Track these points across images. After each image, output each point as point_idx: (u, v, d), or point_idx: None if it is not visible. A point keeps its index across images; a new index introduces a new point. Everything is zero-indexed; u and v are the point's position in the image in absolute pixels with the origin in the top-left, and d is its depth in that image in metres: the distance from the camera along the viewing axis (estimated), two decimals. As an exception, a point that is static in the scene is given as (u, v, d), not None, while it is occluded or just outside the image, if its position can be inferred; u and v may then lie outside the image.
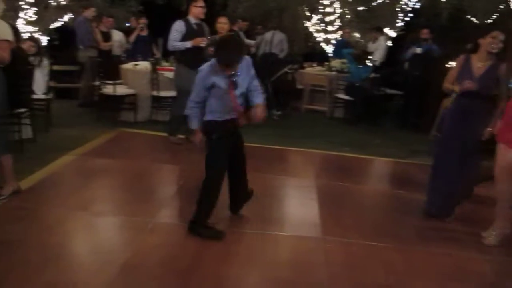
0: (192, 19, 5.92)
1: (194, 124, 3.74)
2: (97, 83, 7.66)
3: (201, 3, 5.91)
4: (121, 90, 7.15)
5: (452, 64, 8.98)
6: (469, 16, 11.31)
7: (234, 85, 3.55)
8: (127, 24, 11.46)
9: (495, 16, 11.37)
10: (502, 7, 10.73)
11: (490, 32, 3.99)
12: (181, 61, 6.01)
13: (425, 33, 8.51)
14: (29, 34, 8.38)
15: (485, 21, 11.00)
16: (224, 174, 3.76)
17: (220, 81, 3.52)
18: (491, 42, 3.95)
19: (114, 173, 5.04)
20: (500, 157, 3.76)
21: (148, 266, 3.17)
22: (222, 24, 5.98)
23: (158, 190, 4.76)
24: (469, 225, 4.27)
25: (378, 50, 10.07)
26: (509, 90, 4.97)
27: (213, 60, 3.55)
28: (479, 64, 4.04)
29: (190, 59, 5.91)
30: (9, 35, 3.83)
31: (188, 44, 5.82)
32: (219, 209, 3.82)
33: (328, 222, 4.13)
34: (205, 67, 3.59)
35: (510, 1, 10.48)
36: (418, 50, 8.31)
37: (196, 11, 5.89)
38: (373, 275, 3.33)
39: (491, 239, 3.89)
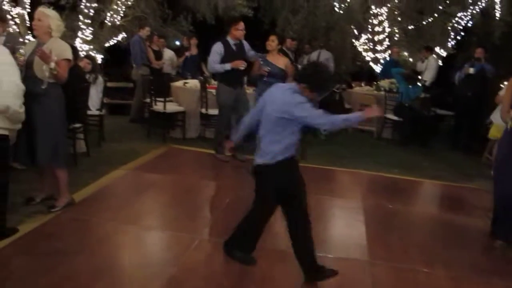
0: (231, 40, 6.03)
1: (234, 137, 3.68)
2: (148, 100, 7.88)
3: (242, 26, 6.03)
4: (171, 107, 7.32)
5: (505, 84, 8.78)
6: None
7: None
8: (176, 42, 11.80)
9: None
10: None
11: None
12: (222, 80, 6.17)
13: (478, 52, 8.27)
14: (85, 52, 8.74)
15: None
16: (273, 212, 3.49)
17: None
18: None
19: (163, 188, 5.15)
20: None
21: (193, 282, 3.21)
22: (270, 41, 6.04)
23: (205, 207, 4.82)
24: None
25: (428, 69, 9.89)
26: None
27: (293, 85, 3.25)
28: None
29: (230, 79, 6.05)
30: (69, 54, 4.02)
31: (228, 66, 5.96)
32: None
33: (376, 245, 4.05)
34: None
35: None
36: (471, 70, 8.08)
37: (237, 34, 6.01)
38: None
39: None
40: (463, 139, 8.14)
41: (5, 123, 3.51)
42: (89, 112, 6.33)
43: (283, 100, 3.15)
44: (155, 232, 4.01)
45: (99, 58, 9.46)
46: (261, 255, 3.62)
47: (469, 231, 4.45)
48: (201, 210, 4.68)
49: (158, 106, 7.22)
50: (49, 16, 4.00)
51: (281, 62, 6.05)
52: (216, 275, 3.34)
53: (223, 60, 5.97)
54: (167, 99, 7.29)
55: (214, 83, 7.84)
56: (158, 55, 8.75)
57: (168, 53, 9.20)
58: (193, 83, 7.87)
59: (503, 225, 4.18)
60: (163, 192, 5.04)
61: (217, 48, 6.00)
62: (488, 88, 7.82)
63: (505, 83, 8.63)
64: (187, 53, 9.19)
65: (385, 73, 10.11)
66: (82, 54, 7.99)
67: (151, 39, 8.75)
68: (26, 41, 7.70)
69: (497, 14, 10.67)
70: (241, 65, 5.92)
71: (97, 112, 6.64)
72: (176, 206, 4.59)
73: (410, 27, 11.78)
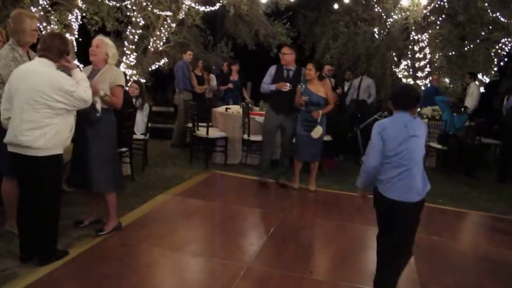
0: (286, 66, 6.07)
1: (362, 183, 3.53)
2: (189, 125, 7.96)
3: (287, 50, 6.07)
4: (213, 133, 7.37)
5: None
6: None
7: None
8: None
9: None
10: None
11: None
12: (269, 103, 6.32)
13: None
14: (132, 78, 8.94)
15: None
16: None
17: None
18: None
19: (207, 215, 5.14)
20: None
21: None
22: (308, 70, 6.04)
23: (250, 234, 4.78)
24: None
25: (470, 96, 9.72)
26: None
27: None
28: None
29: (274, 103, 6.08)
30: (122, 81, 4.12)
31: (272, 87, 6.05)
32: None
33: (428, 280, 3.91)
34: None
35: None
36: (509, 104, 7.83)
37: (285, 59, 6.04)
38: None
39: None
40: (510, 171, 7.87)
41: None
42: (134, 137, 6.44)
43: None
44: (201, 259, 3.99)
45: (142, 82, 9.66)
46: (309, 285, 3.56)
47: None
48: (246, 237, 4.64)
49: (201, 131, 7.28)
50: (108, 44, 4.13)
51: (321, 90, 6.02)
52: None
53: (272, 82, 6.09)
54: (209, 124, 7.36)
55: (256, 109, 7.90)
56: (201, 80, 8.88)
57: (211, 79, 9.32)
58: (235, 109, 7.93)
59: None
60: (207, 218, 5.03)
61: (270, 70, 6.18)
62: None
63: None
64: (230, 85, 9.26)
65: (426, 100, 9.95)
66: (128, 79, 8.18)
67: (196, 64, 8.90)
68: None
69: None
70: (284, 87, 5.95)
71: (141, 137, 6.75)
72: (221, 233, 4.57)
73: (451, 54, 11.62)
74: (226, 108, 7.97)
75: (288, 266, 3.92)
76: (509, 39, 11.31)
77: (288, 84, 5.98)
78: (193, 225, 4.77)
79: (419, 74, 11.91)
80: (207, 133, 7.13)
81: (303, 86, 6.03)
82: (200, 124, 7.37)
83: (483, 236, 5.61)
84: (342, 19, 11.94)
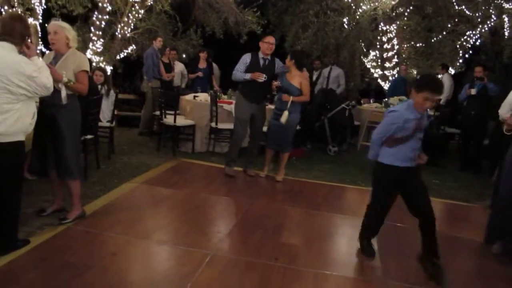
0: (261, 55, 6.03)
1: (374, 154, 3.88)
2: (157, 113, 7.88)
3: (268, 39, 5.99)
4: (181, 120, 7.31)
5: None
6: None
7: (420, 126, 3.71)
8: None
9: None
10: None
11: None
12: (241, 92, 6.15)
13: (478, 71, 8.07)
14: (95, 65, 8.78)
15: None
16: (385, 212, 4.08)
17: (412, 118, 3.64)
18: None
19: (174, 203, 5.10)
20: None
21: (209, 300, 3.16)
22: (288, 61, 6.04)
23: (217, 222, 4.77)
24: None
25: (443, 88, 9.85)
26: None
27: (408, 100, 3.71)
28: None
29: (248, 92, 6.01)
30: (87, 66, 4.04)
31: (247, 76, 5.92)
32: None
33: (389, 264, 3.99)
34: (401, 105, 3.76)
35: None
36: (473, 91, 7.91)
37: (263, 47, 5.99)
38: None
39: None
40: (471, 160, 8.08)
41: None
42: (99, 124, 6.33)
43: None
44: (168, 247, 3.96)
45: (108, 70, 9.49)
46: (274, 271, 3.59)
47: (485, 250, 4.39)
48: (213, 225, 4.63)
49: (168, 119, 7.21)
50: (65, 27, 4.01)
51: (296, 80, 6.03)
52: (230, 293, 3.28)
53: (247, 71, 5.97)
54: (177, 112, 7.30)
55: (224, 97, 7.86)
56: (169, 68, 8.78)
57: (178, 66, 9.23)
58: (203, 97, 7.88)
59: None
60: (174, 206, 5.00)
61: (244, 58, 6.03)
62: (493, 107, 7.72)
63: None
64: (199, 73, 9.18)
65: (394, 91, 10.11)
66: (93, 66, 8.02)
67: (163, 52, 8.79)
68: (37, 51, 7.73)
69: (506, 33, 10.67)
70: (260, 77, 5.88)
71: (107, 124, 6.64)
72: (188, 221, 4.55)
73: (419, 45, 11.80)
74: (194, 96, 7.91)
75: (254, 253, 3.94)
76: (474, 32, 11.55)
77: (264, 75, 5.92)
78: (160, 213, 4.73)
79: (387, 64, 12.07)
80: (175, 121, 7.07)
81: (283, 74, 6.04)
82: (167, 112, 7.30)
83: (445, 223, 5.75)
84: (312, 9, 11.96)
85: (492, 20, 10.95)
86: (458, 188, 6.88)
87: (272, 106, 6.75)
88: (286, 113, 5.89)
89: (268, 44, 5.96)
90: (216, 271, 3.57)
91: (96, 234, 4.01)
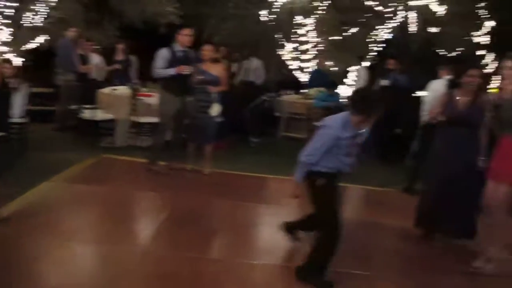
0: (178, 47, 5.94)
1: (300, 178, 3.50)
2: (74, 107, 7.55)
3: (188, 32, 5.93)
4: (100, 115, 7.06)
5: (424, 94, 9.36)
6: (438, 48, 11.71)
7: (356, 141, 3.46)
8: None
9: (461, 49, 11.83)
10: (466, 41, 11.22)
11: (467, 70, 4.20)
12: (166, 88, 5.98)
13: (391, 63, 8.30)
14: (3, 56, 8.22)
15: (452, 54, 11.43)
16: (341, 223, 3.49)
17: (346, 136, 3.37)
18: (470, 81, 4.17)
19: (98, 201, 4.93)
20: (490, 190, 3.92)
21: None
22: (206, 51, 6.02)
23: (144, 218, 4.70)
24: (454, 253, 4.39)
25: (359, 79, 10.33)
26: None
27: (346, 113, 3.41)
28: (463, 98, 4.25)
29: (174, 87, 5.92)
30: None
31: (172, 71, 5.81)
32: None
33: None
34: (337, 122, 3.39)
35: (476, 36, 11.01)
36: (385, 82, 8.14)
37: (183, 40, 5.90)
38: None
39: (489, 268, 3.99)
40: (377, 149, 8.09)
41: None
42: (11, 120, 5.96)
43: None
44: (94, 247, 3.85)
45: (18, 61, 8.91)
46: (205, 264, 3.61)
47: (398, 231, 4.68)
48: (140, 222, 4.56)
49: (87, 114, 6.93)
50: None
51: (216, 70, 6.04)
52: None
53: (169, 66, 5.82)
54: (95, 106, 7.04)
55: (144, 90, 7.69)
56: (85, 60, 8.41)
57: (95, 58, 8.87)
58: (122, 90, 7.65)
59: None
60: (97, 204, 4.83)
61: (163, 54, 5.85)
62: (403, 99, 8.05)
63: (422, 92, 9.23)
64: (117, 66, 8.90)
65: (312, 83, 10.42)
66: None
67: (78, 43, 8.40)
68: None
69: (414, 29, 11.33)
70: (186, 70, 5.81)
71: (20, 120, 6.26)
72: (113, 219, 4.42)
73: (334, 38, 12.20)
74: (113, 89, 7.65)
75: (184, 247, 3.93)
76: (385, 26, 12.13)
77: (188, 67, 5.85)
78: (83, 212, 4.55)
79: (305, 56, 12.37)
80: (93, 115, 6.81)
81: (198, 66, 6.00)
82: (85, 106, 7.01)
83: (362, 207, 6.08)
84: (231, 1, 11.96)
85: (401, 15, 11.58)
86: (374, 174, 7.24)
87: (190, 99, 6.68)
88: (216, 105, 5.92)
89: (188, 36, 5.90)
90: (146, 269, 3.52)
91: (14, 239, 3.78)
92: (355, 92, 3.64)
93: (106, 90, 7.75)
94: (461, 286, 3.82)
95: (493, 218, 3.96)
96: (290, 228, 4.11)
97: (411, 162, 7.45)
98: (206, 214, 4.97)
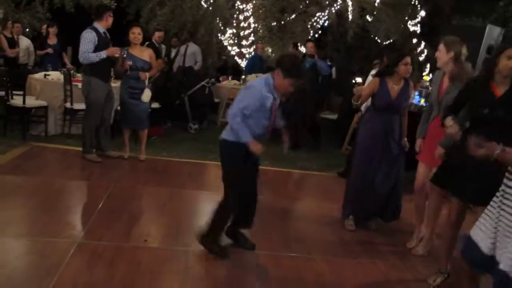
0: (101, 28, 5.72)
1: (248, 136, 3.46)
2: (1, 93, 7.15)
3: (111, 12, 5.80)
4: (31, 102, 6.74)
5: (358, 80, 9.64)
6: (373, 36, 12.04)
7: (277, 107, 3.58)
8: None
9: (395, 37, 12.23)
10: (402, 28, 11.60)
11: (402, 58, 4.33)
12: (93, 73, 5.70)
13: (309, 47, 8.20)
14: None
15: (387, 41, 11.79)
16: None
17: (269, 102, 3.46)
18: (405, 69, 4.31)
19: (29, 192, 4.70)
20: (420, 172, 4.11)
21: (76, 291, 3.03)
22: (136, 34, 5.85)
23: (79, 209, 4.54)
24: (386, 236, 4.58)
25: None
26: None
27: (267, 76, 3.50)
28: (394, 86, 4.39)
29: (102, 71, 5.72)
30: None
31: (104, 54, 5.61)
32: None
33: (255, 236, 4.18)
34: (261, 83, 3.47)
35: (409, 25, 11.40)
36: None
37: (110, 21, 5.73)
38: (304, 287, 3.44)
39: (418, 249, 4.19)
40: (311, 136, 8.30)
41: None
42: None
43: None
44: (26, 240, 3.68)
45: None
46: (145, 254, 3.57)
47: (337, 216, 4.82)
48: (75, 212, 4.40)
49: (16, 101, 6.60)
50: None
51: (145, 54, 5.92)
52: (100, 280, 3.17)
53: (96, 50, 5.59)
54: (25, 92, 6.69)
55: (78, 75, 7.41)
56: (13, 43, 7.99)
57: (24, 42, 8.44)
58: (55, 75, 7.34)
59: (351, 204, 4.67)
60: (29, 196, 4.60)
61: (91, 37, 5.57)
62: (321, 85, 8.03)
63: (358, 79, 9.51)
64: (49, 50, 8.51)
65: (251, 68, 10.45)
66: None
67: (5, 25, 7.95)
68: None
69: (350, 16, 11.58)
70: (117, 52, 5.63)
71: None
72: (47, 210, 4.24)
73: (273, 24, 12.27)
74: (45, 75, 7.32)
75: (122, 237, 3.85)
76: (322, 14, 12.33)
77: (119, 49, 5.67)
78: (14, 204, 4.33)
79: (244, 42, 12.37)
80: (24, 102, 6.49)
81: (125, 51, 5.81)
82: (14, 92, 6.66)
83: (303, 192, 6.21)
84: (169, -16, 11.73)
85: (338, 3, 11.80)
86: (312, 159, 7.41)
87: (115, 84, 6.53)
88: (147, 90, 5.80)
89: (111, 17, 5.78)
90: (83, 261, 3.42)
91: None
92: (284, 56, 3.68)
93: (38, 75, 7.40)
94: (395, 266, 3.98)
95: (423, 199, 4.15)
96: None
97: (348, 147, 7.70)
98: (145, 202, 4.90)
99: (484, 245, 2.57)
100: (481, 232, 2.61)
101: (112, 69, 6.03)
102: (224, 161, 3.69)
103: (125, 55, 5.75)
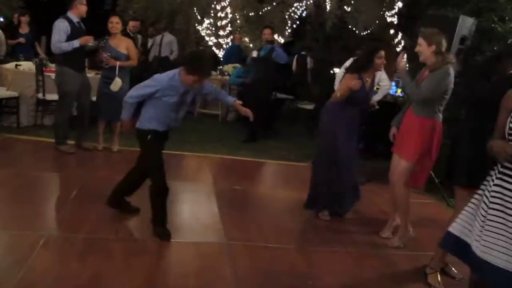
0: (75, 18, 5.60)
1: (128, 115, 3.80)
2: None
3: (85, 1, 5.64)
4: (2, 92, 6.59)
5: (336, 70, 9.65)
6: (351, 27, 12.05)
7: (187, 100, 3.79)
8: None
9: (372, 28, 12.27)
10: (378, 20, 11.62)
11: (376, 52, 4.31)
12: (66, 63, 5.60)
13: (266, 33, 7.89)
14: None
15: (364, 32, 11.82)
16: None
17: (176, 94, 3.63)
18: (380, 63, 4.31)
19: (0, 184, 4.59)
20: (393, 163, 4.12)
21: (46, 284, 2.96)
22: (114, 23, 5.75)
23: (50, 201, 4.45)
24: (360, 224, 4.61)
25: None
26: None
27: (176, 71, 3.60)
28: (368, 79, 4.41)
29: (75, 62, 5.61)
30: None
31: (77, 43, 5.49)
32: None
33: (230, 226, 4.18)
34: (168, 74, 3.63)
35: (386, 16, 11.42)
36: (255, 53, 7.91)
37: (82, 10, 5.60)
38: (278, 277, 3.43)
39: (394, 241, 4.20)
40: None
41: None
42: None
43: None
44: (-5, 232, 3.60)
45: None
46: (116, 246, 3.52)
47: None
48: (45, 204, 4.31)
49: (-15, 91, 6.45)
50: None
51: (123, 45, 5.81)
52: (71, 273, 3.11)
53: (69, 39, 5.48)
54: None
55: (51, 66, 7.27)
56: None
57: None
58: (27, 65, 7.18)
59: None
60: (0, 188, 4.50)
61: (63, 26, 5.46)
62: (276, 72, 7.87)
63: (336, 69, 9.51)
64: (21, 39, 8.32)
65: (228, 59, 10.38)
66: None
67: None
68: None
69: (328, 7, 11.56)
70: (90, 40, 5.52)
71: None
72: (16, 203, 4.15)
73: (251, 14, 12.19)
74: (16, 65, 7.15)
75: (93, 229, 3.79)
76: (300, 4, 12.28)
77: (92, 37, 5.56)
78: (-17, 197, 4.24)
79: (222, 32, 12.28)
80: (-6, 93, 6.35)
81: (105, 41, 5.72)
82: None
83: (280, 182, 6.20)
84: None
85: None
86: (289, 149, 7.41)
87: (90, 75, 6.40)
88: (117, 79, 5.67)
89: (85, 6, 5.63)
90: (53, 253, 3.36)
91: None
92: (189, 53, 3.74)
93: (9, 65, 7.24)
94: (369, 255, 4.01)
95: (395, 191, 4.14)
96: (115, 201, 4.15)
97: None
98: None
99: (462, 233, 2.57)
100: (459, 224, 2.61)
101: (86, 59, 5.91)
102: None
103: (103, 45, 5.67)
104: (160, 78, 3.65)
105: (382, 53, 4.32)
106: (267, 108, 7.94)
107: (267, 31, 7.86)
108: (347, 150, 4.45)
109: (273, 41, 7.92)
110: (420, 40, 3.86)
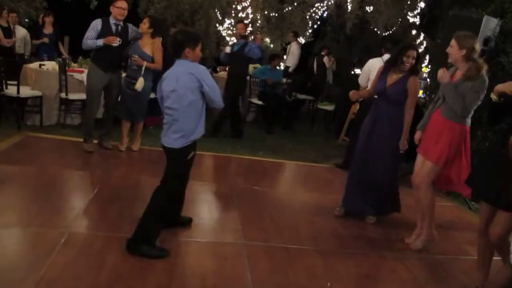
0: (113, 20, 5.69)
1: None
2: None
3: (120, 4, 5.66)
4: (26, 91, 6.70)
5: (357, 71, 9.60)
6: (372, 27, 11.97)
7: None
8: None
9: (394, 28, 12.16)
10: (400, 20, 11.51)
11: (406, 50, 4.28)
12: (94, 61, 5.79)
13: (239, 28, 7.76)
14: None
15: (386, 33, 11.72)
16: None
17: None
18: (407, 61, 4.26)
19: (22, 181, 4.68)
20: (417, 165, 4.07)
21: (66, 281, 3.01)
22: (142, 24, 5.82)
23: (71, 199, 4.52)
24: (382, 229, 4.57)
25: (291, 55, 10.38)
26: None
27: (183, 61, 3.44)
28: (393, 75, 4.38)
29: (102, 60, 5.69)
30: None
31: (100, 42, 5.57)
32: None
33: (249, 227, 4.19)
34: (187, 65, 3.43)
35: (408, 16, 11.32)
36: (228, 49, 7.75)
37: (114, 12, 5.67)
38: (296, 278, 3.42)
39: (417, 243, 4.16)
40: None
41: None
42: None
43: None
44: (17, 229, 3.66)
45: None
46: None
47: (332, 207, 4.81)
48: (67, 202, 4.37)
49: (11, 90, 6.55)
50: None
51: (148, 47, 5.85)
52: (91, 271, 3.15)
53: (99, 38, 5.59)
54: (20, 82, 6.65)
55: (74, 65, 7.38)
56: (9, 33, 7.93)
57: (20, 31, 8.39)
58: (51, 65, 7.29)
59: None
60: (22, 185, 4.59)
61: (94, 24, 5.61)
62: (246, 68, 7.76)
63: (357, 70, 9.45)
64: (44, 39, 8.47)
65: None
66: None
67: (0, 14, 7.89)
68: None
69: (349, 7, 11.51)
70: (114, 41, 5.57)
71: None
72: (39, 200, 4.22)
73: (272, 15, 12.21)
74: (40, 65, 7.28)
75: (112, 227, 3.83)
76: (321, 4, 12.26)
77: (118, 39, 5.62)
78: (5, 193, 4.32)
79: (242, 33, 12.29)
80: (18, 92, 6.45)
81: (135, 40, 5.82)
82: (9, 82, 6.62)
83: (298, 183, 6.19)
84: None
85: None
86: (309, 150, 7.39)
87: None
88: (141, 79, 5.71)
89: (120, 9, 5.65)
90: (74, 250, 3.41)
91: None
92: (178, 34, 3.53)
93: (33, 65, 7.35)
94: (387, 258, 3.97)
95: (420, 194, 4.09)
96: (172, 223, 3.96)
97: (345, 138, 7.69)
98: (137, 193, 4.85)
99: None
100: None
101: (119, 59, 5.96)
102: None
103: (130, 47, 5.79)
104: (202, 69, 3.48)
105: (411, 52, 4.29)
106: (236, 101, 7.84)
107: (239, 26, 7.78)
108: (372, 149, 4.51)
109: (246, 36, 7.77)
110: (453, 42, 3.81)
